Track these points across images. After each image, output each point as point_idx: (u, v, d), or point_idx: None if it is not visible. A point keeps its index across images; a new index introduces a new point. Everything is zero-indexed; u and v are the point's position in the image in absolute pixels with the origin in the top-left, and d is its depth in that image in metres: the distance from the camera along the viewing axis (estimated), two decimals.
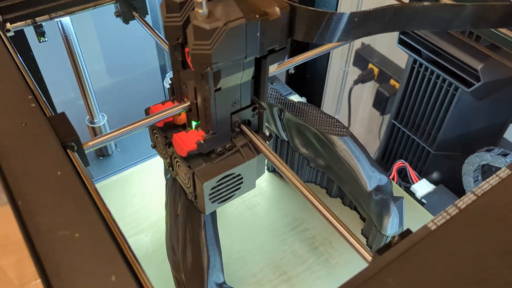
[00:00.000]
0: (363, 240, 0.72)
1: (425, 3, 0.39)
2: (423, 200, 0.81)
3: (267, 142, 0.46)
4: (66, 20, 0.65)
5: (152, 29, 0.61)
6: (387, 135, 0.97)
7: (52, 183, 0.33)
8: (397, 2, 0.51)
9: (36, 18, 0.58)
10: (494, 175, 0.34)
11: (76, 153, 0.37)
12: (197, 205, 0.48)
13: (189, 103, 0.43)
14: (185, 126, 0.48)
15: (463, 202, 0.32)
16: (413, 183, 0.84)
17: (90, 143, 0.39)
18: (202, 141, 0.43)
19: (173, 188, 0.55)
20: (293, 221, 0.75)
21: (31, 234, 0.30)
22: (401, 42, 0.80)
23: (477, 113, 0.80)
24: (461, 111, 0.79)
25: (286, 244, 0.71)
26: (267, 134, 0.47)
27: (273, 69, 0.42)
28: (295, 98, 1.03)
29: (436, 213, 0.80)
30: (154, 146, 0.51)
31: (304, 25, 0.37)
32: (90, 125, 0.80)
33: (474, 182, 0.72)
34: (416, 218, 0.75)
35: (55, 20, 0.62)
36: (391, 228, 0.64)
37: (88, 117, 0.80)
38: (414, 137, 0.89)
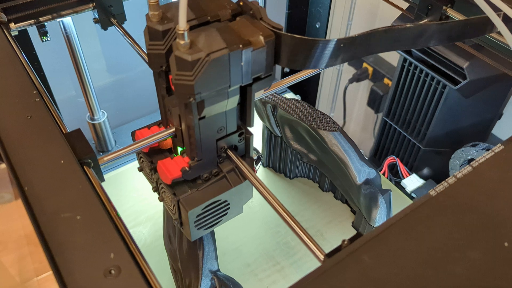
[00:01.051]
0: (354, 232, 0.75)
1: (408, 25, 0.40)
2: (413, 195, 0.84)
3: (256, 165, 0.45)
4: (67, 20, 0.68)
5: (130, 37, 0.61)
6: (379, 132, 1.00)
7: (56, 170, 0.35)
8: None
9: (39, 18, 0.60)
10: (490, 151, 0.37)
11: (92, 169, 0.38)
12: (183, 231, 0.47)
13: (174, 129, 0.43)
14: (171, 151, 0.47)
15: (462, 173, 0.35)
16: (404, 178, 0.87)
17: (105, 159, 0.40)
18: (187, 168, 0.42)
19: None
20: None
21: (37, 216, 0.32)
22: None
23: (465, 110, 0.82)
24: (449, 108, 0.82)
25: (279, 236, 0.74)
26: (255, 157, 0.46)
27: (259, 94, 0.41)
28: (290, 96, 1.06)
29: None
30: (140, 170, 0.50)
31: (290, 52, 0.36)
32: (90, 121, 0.82)
33: None
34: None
35: (57, 20, 0.64)
36: (379, 219, 0.67)
37: (89, 114, 0.83)
38: (405, 134, 0.92)
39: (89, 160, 0.38)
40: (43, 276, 1.54)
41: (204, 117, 0.39)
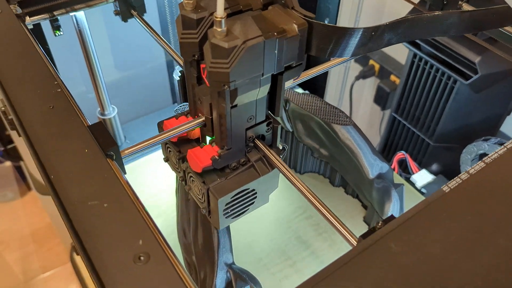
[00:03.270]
0: (366, 226, 0.75)
1: (436, 13, 0.40)
2: (423, 190, 0.84)
3: (281, 156, 0.45)
4: (80, 14, 0.68)
5: (150, 27, 0.61)
6: (387, 128, 1.00)
7: (80, 160, 0.35)
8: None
9: (54, 12, 0.60)
10: (503, 146, 0.37)
11: (115, 161, 0.38)
12: (210, 220, 0.48)
13: (203, 118, 0.43)
14: (198, 141, 0.47)
15: (474, 169, 0.35)
16: (413, 173, 0.87)
17: (126, 152, 0.40)
18: (217, 157, 0.43)
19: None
20: (297, 209, 0.77)
21: (65, 204, 0.32)
22: None
23: (475, 106, 0.83)
24: (459, 104, 0.82)
25: (291, 231, 0.74)
26: (281, 148, 0.47)
27: (289, 84, 0.42)
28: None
29: None
30: (166, 160, 0.50)
31: (321, 41, 0.37)
32: (101, 116, 0.83)
33: None
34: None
35: (70, 14, 0.64)
36: (392, 213, 0.67)
37: (99, 109, 0.83)
38: (414, 130, 0.92)
39: (112, 153, 0.38)
40: (49, 273, 1.54)
41: (236, 105, 0.40)
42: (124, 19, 0.66)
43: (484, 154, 0.72)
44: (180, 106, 0.67)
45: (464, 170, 0.77)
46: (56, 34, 0.67)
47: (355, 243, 0.38)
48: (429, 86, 0.84)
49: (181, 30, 0.38)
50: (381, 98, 1.25)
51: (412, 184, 0.85)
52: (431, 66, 0.82)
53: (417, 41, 0.80)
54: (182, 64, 0.57)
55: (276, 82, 0.40)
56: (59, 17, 0.64)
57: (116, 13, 0.66)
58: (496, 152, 0.37)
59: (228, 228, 0.57)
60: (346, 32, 0.36)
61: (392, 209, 0.66)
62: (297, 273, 0.69)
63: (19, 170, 1.67)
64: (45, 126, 0.38)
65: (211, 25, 0.36)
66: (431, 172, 0.88)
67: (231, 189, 0.44)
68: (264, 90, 0.40)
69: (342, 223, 0.39)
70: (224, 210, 0.45)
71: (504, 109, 0.84)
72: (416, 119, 0.91)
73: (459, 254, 0.30)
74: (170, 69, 1.09)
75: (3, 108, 0.63)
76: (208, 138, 0.45)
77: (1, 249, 1.63)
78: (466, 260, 0.30)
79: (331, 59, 0.55)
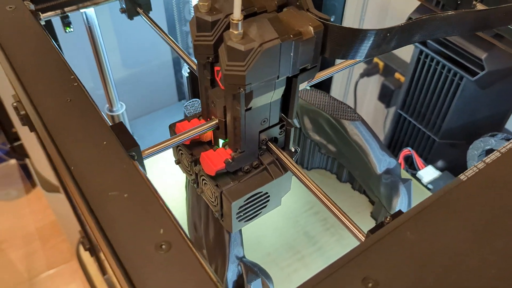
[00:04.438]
0: (373, 222, 0.75)
1: (449, 13, 0.40)
2: (429, 186, 0.84)
3: (293, 158, 0.45)
4: (90, 11, 0.69)
5: (157, 25, 0.61)
6: (393, 125, 1.00)
7: (99, 151, 0.36)
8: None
9: (65, 8, 0.61)
10: None
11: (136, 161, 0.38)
12: (223, 224, 0.48)
13: (216, 121, 0.43)
14: (210, 143, 0.47)
15: (490, 158, 0.36)
16: (419, 169, 0.88)
17: (146, 152, 0.41)
18: (230, 160, 0.43)
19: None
20: (304, 204, 0.78)
21: (86, 195, 0.33)
22: None
23: (481, 102, 0.83)
24: (465, 100, 0.82)
25: (298, 226, 0.75)
26: (293, 150, 0.47)
27: (303, 86, 0.42)
28: None
29: None
30: (178, 162, 0.50)
31: (336, 43, 0.37)
32: (109, 113, 0.83)
33: None
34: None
35: (81, 11, 0.65)
36: (399, 208, 0.67)
37: (107, 105, 0.83)
38: (420, 126, 0.92)
39: (134, 153, 0.38)
40: (54, 270, 1.54)
41: (250, 108, 0.40)
42: (130, 17, 0.66)
43: (491, 150, 0.72)
44: (190, 102, 0.68)
45: (470, 166, 0.77)
46: (67, 30, 0.67)
47: (363, 238, 0.38)
48: (435, 83, 0.85)
49: (196, 32, 0.38)
50: (385, 96, 1.25)
51: (418, 180, 0.85)
52: (437, 62, 0.82)
53: None
54: (188, 62, 0.58)
55: (290, 84, 0.40)
56: (69, 14, 0.64)
57: (122, 10, 0.66)
58: (511, 142, 0.38)
59: None
60: (362, 34, 0.36)
61: (400, 204, 0.66)
62: (305, 267, 0.69)
63: (24, 168, 1.68)
64: (63, 119, 0.38)
65: (226, 28, 0.37)
66: (437, 168, 0.88)
67: (245, 192, 0.44)
68: (279, 92, 0.40)
69: (350, 219, 0.39)
70: (237, 213, 0.45)
71: (510, 105, 0.84)
72: (422, 116, 0.91)
73: (476, 242, 0.31)
74: (176, 66, 1.09)
75: (15, 104, 0.63)
76: (221, 141, 0.45)
77: (5, 247, 1.64)
78: (483, 249, 0.30)
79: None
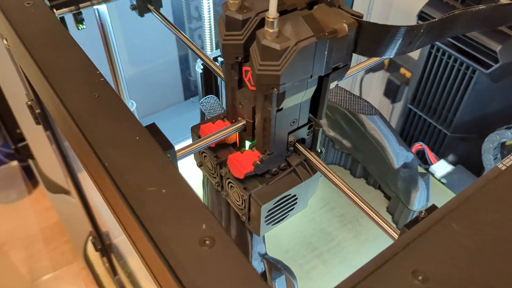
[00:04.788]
0: (389, 217, 0.75)
1: (480, 7, 0.40)
2: (442, 180, 0.84)
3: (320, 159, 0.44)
4: (103, 8, 0.68)
5: (169, 22, 0.61)
6: (403, 120, 1.00)
7: (133, 146, 0.35)
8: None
9: (80, 5, 0.60)
10: None
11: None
12: (249, 227, 0.47)
13: (243, 122, 0.42)
14: (235, 145, 0.46)
15: None
16: (432, 164, 0.87)
17: (178, 154, 0.39)
18: (258, 162, 0.41)
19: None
20: (320, 201, 0.77)
21: (123, 191, 0.32)
22: None
23: (493, 95, 0.83)
24: (477, 94, 0.82)
25: (315, 222, 0.74)
26: (319, 151, 0.46)
27: (333, 85, 0.41)
28: None
29: (457, 191, 0.83)
30: (200, 165, 0.49)
31: (369, 40, 0.36)
32: None
33: (494, 159, 0.75)
34: (438, 196, 0.78)
35: (94, 7, 0.64)
36: (418, 202, 0.67)
37: None
38: (431, 121, 0.92)
39: (169, 155, 0.37)
40: (56, 272, 1.53)
41: (281, 109, 0.38)
42: (141, 14, 0.64)
43: (504, 143, 0.72)
44: (205, 99, 0.67)
45: (486, 160, 0.77)
46: (79, 27, 0.66)
47: (395, 235, 0.38)
48: (447, 76, 0.84)
49: (224, 31, 0.36)
50: (391, 91, 1.25)
51: (431, 175, 0.85)
52: (449, 56, 0.82)
53: None
54: (203, 58, 0.57)
55: (321, 83, 0.39)
56: (82, 10, 0.63)
57: (133, 7, 0.64)
58: None
59: None
60: (395, 31, 0.36)
61: (420, 198, 0.66)
62: (324, 264, 0.69)
63: (26, 169, 1.66)
64: (93, 115, 0.37)
65: (257, 26, 0.36)
66: (449, 162, 0.88)
67: (274, 195, 0.43)
68: (310, 92, 0.39)
69: (382, 217, 0.39)
70: (266, 217, 0.44)
71: None
72: (433, 110, 0.91)
73: None
74: (182, 65, 1.08)
75: (29, 103, 0.62)
76: (247, 143, 0.44)
77: (7, 249, 1.62)
78: None
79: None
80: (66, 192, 1.29)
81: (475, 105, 0.84)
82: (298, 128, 0.43)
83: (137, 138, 0.36)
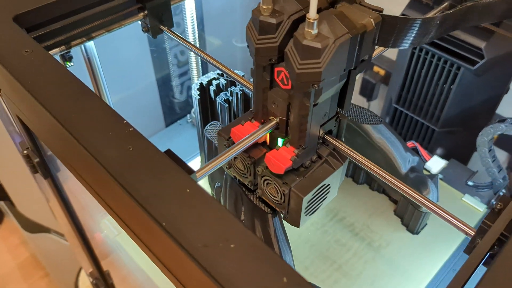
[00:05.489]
0: (398, 220, 0.76)
1: (489, 0, 0.42)
2: (439, 175, 0.86)
3: None
4: (89, 43, 0.64)
5: (184, 39, 0.61)
6: (389, 120, 1.02)
7: (185, 200, 0.33)
8: None
9: (71, 43, 0.57)
10: None
11: None
12: (287, 220, 0.48)
13: (275, 121, 0.44)
14: (264, 144, 0.48)
15: None
16: (426, 161, 0.89)
17: (198, 174, 0.39)
18: (296, 157, 0.44)
19: (232, 193, 0.56)
20: (329, 212, 0.77)
21: (189, 250, 0.30)
22: None
23: (477, 88, 0.86)
24: (463, 89, 0.85)
25: (328, 234, 0.74)
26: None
27: (357, 77, 0.43)
28: None
29: (455, 185, 0.84)
30: (229, 167, 0.50)
31: (390, 32, 0.39)
32: None
33: (489, 151, 0.77)
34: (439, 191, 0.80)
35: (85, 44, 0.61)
36: None
37: None
38: (418, 118, 0.94)
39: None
40: None
41: (317, 103, 0.41)
42: (154, 35, 0.64)
43: (502, 135, 0.75)
44: (210, 126, 0.66)
45: (482, 152, 0.79)
46: (67, 65, 0.63)
47: (471, 232, 0.38)
48: (432, 75, 0.87)
49: (257, 35, 0.38)
50: (366, 90, 1.27)
51: (427, 171, 0.87)
52: (433, 55, 0.84)
53: None
54: (225, 71, 0.57)
55: (349, 76, 0.42)
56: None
57: (146, 30, 0.63)
58: None
59: (289, 244, 0.57)
60: (414, 22, 0.38)
61: (432, 199, 0.67)
62: (345, 276, 0.69)
63: None
64: (134, 171, 0.35)
65: (290, 28, 0.37)
66: (438, 156, 0.91)
67: (312, 186, 0.45)
68: (340, 86, 0.42)
69: (455, 217, 0.40)
70: (306, 208, 0.46)
71: (503, 89, 0.88)
72: (420, 108, 0.93)
73: None
74: (161, 90, 1.05)
75: (25, 152, 0.59)
76: (280, 140, 0.46)
77: None
78: None
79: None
80: (47, 231, 1.24)
81: (461, 99, 0.87)
82: (328, 120, 0.45)
83: (188, 190, 0.34)
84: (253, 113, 0.46)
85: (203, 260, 0.30)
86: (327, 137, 0.46)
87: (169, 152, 0.38)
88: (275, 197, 0.47)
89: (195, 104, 0.70)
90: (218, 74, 0.72)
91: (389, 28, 0.39)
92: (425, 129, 0.95)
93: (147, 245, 0.36)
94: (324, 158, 0.47)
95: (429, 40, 0.42)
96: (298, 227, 0.48)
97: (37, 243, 1.38)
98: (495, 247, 0.35)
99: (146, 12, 0.60)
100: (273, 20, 0.37)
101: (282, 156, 0.44)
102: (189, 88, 1.06)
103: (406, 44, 0.40)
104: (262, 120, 0.45)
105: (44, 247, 1.34)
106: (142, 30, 0.63)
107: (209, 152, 0.69)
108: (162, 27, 0.63)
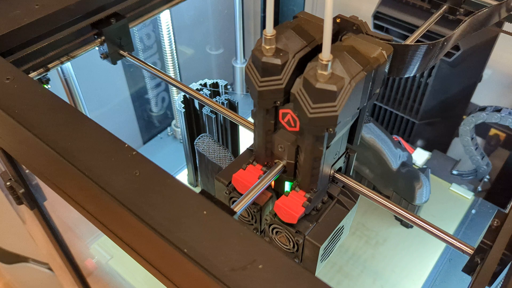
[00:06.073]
0: (391, 215, 0.76)
1: (484, 9, 0.43)
2: (424, 167, 0.87)
3: None
4: (66, 64, 0.62)
5: (147, 64, 0.57)
6: (369, 116, 1.03)
7: (204, 223, 0.32)
8: None
9: (48, 65, 0.54)
10: None
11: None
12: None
13: (282, 164, 0.40)
14: (268, 187, 0.43)
15: None
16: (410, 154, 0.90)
17: (235, 209, 0.37)
18: (308, 202, 0.40)
19: None
20: None
21: (217, 276, 0.29)
22: (376, 27, 0.85)
23: (453, 79, 0.88)
24: (440, 81, 0.86)
25: None
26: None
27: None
28: None
29: (442, 175, 0.86)
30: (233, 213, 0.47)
31: (401, 61, 0.37)
32: None
33: (471, 139, 0.79)
34: None
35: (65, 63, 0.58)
36: (424, 196, 0.69)
37: None
38: (397, 112, 0.95)
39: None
40: None
41: (329, 145, 0.37)
42: (114, 62, 0.60)
43: (483, 124, 0.77)
44: (199, 139, 0.64)
45: (464, 141, 0.81)
46: (44, 87, 0.60)
47: (470, 251, 0.38)
48: None
49: (260, 77, 0.35)
50: None
51: (415, 166, 0.88)
52: None
53: (393, 28, 0.83)
54: (190, 93, 0.54)
55: (359, 111, 0.39)
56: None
57: (104, 56, 0.60)
58: None
59: None
60: (426, 48, 0.37)
61: (424, 192, 0.68)
62: (347, 277, 0.68)
63: None
64: (145, 198, 0.33)
65: (296, 68, 0.34)
66: (422, 149, 0.92)
67: (328, 232, 0.42)
68: (351, 123, 0.39)
69: (453, 236, 0.39)
70: (322, 254, 0.42)
71: (477, 77, 0.90)
72: (398, 102, 0.94)
73: None
74: (136, 106, 1.02)
75: (8, 184, 0.55)
76: (287, 183, 0.42)
77: None
78: None
79: None
80: (25, 260, 1.18)
81: (438, 91, 0.88)
82: (339, 158, 0.42)
83: (205, 212, 0.33)
84: (253, 155, 0.42)
85: (233, 286, 0.29)
86: (337, 175, 0.43)
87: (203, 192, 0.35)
88: (287, 245, 0.43)
89: (180, 117, 0.68)
90: (200, 84, 0.71)
91: (401, 57, 0.36)
92: (405, 123, 0.96)
93: (163, 273, 0.34)
94: (336, 197, 0.43)
95: (434, 62, 0.41)
96: (314, 275, 0.45)
97: (13, 273, 1.32)
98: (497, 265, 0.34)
99: (103, 37, 0.56)
100: (278, 61, 0.33)
101: (294, 203, 0.40)
102: (164, 99, 1.03)
103: (411, 71, 0.38)
104: (266, 163, 0.42)
105: (21, 277, 1.28)
106: (100, 57, 0.59)
107: (201, 165, 0.67)
108: (121, 52, 0.59)
